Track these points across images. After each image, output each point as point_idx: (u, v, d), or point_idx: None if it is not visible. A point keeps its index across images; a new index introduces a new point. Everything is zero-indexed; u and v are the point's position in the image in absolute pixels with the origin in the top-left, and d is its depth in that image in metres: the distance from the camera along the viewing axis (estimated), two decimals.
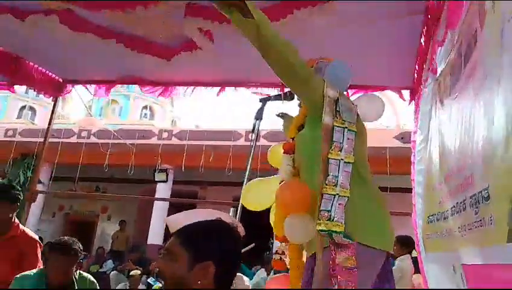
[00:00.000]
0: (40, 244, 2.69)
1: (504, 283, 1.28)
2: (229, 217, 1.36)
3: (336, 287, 1.40)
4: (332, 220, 1.45)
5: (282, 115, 2.23)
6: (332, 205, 1.48)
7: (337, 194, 1.49)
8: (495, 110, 1.35)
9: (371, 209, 1.60)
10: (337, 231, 1.44)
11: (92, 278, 2.47)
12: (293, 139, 1.93)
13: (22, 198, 2.61)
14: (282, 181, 1.87)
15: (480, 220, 1.46)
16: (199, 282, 1.16)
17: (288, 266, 1.93)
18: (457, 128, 1.87)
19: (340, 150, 1.56)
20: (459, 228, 1.78)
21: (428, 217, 2.45)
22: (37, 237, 2.70)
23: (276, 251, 1.99)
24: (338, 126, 1.60)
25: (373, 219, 1.58)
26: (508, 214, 1.21)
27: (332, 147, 1.56)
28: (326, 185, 1.51)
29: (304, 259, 1.86)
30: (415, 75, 3.13)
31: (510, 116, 1.22)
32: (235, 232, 1.29)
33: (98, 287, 2.46)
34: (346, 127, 1.60)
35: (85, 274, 2.43)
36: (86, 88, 4.13)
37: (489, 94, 1.42)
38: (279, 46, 1.55)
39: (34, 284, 2.23)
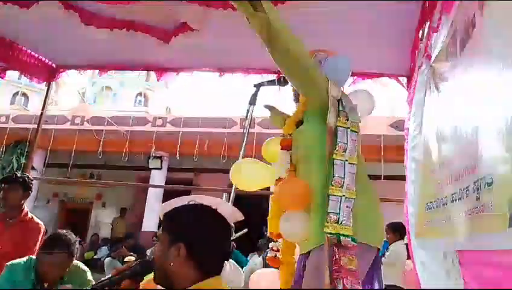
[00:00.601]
0: (43, 231, 2.89)
1: (500, 269, 1.29)
2: (224, 203, 1.34)
3: (341, 287, 1.40)
4: (341, 223, 1.46)
5: (270, 108, 2.18)
6: (340, 207, 1.48)
7: (344, 195, 1.49)
8: (498, 97, 1.34)
9: (363, 205, 1.58)
10: (346, 234, 1.45)
11: (84, 267, 2.47)
12: (290, 135, 1.91)
13: (32, 187, 2.91)
14: (278, 178, 1.86)
15: (482, 206, 1.47)
16: (171, 264, 1.20)
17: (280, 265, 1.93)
18: (456, 114, 1.87)
19: (345, 151, 1.56)
20: (459, 214, 1.79)
21: (427, 204, 2.46)
22: (42, 224, 2.91)
23: (272, 248, 1.99)
24: (341, 126, 1.59)
25: (365, 214, 1.58)
26: (509, 200, 1.22)
27: (337, 148, 1.55)
28: (333, 185, 1.50)
29: (296, 257, 1.86)
30: (412, 62, 3.12)
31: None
32: (213, 217, 1.28)
33: (90, 274, 2.46)
34: (349, 128, 1.60)
35: (75, 262, 2.41)
36: (80, 72, 4.08)
37: (492, 80, 1.42)
38: (288, 41, 1.54)
39: (22, 273, 2.23)
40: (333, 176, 1.52)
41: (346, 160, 1.54)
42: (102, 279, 1.35)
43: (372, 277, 1.64)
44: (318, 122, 1.65)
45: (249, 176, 2.03)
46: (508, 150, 1.26)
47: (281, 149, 1.89)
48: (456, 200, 1.86)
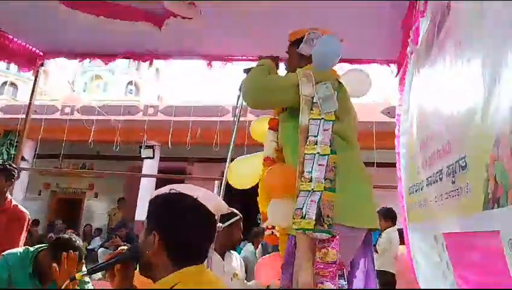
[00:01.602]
0: (29, 219, 2.87)
1: (483, 250, 1.30)
2: (210, 194, 1.32)
3: (321, 285, 1.41)
4: (304, 217, 1.45)
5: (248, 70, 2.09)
6: (304, 202, 1.48)
7: (312, 189, 1.49)
8: (471, 78, 1.34)
9: (352, 188, 1.59)
10: (308, 228, 1.44)
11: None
12: (279, 114, 1.92)
13: (16, 175, 2.88)
14: (267, 157, 1.88)
15: (457, 189, 1.49)
16: (147, 251, 1.20)
17: (279, 241, 1.95)
18: (431, 97, 1.88)
19: (316, 144, 1.55)
20: (435, 197, 1.81)
21: (409, 187, 2.49)
22: (27, 212, 2.87)
23: (267, 226, 2.00)
24: (314, 118, 1.59)
25: (353, 199, 1.59)
26: (484, 183, 1.23)
27: (308, 143, 1.56)
28: (302, 181, 1.51)
29: None
30: (403, 47, 3.11)
31: (487, 85, 1.22)
32: (189, 205, 1.25)
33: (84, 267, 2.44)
34: (323, 118, 1.59)
35: None
36: (70, 58, 4.02)
37: (464, 61, 1.42)
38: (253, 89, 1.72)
39: (18, 264, 2.19)
40: (303, 172, 1.53)
41: (318, 152, 1.54)
42: (94, 265, 1.34)
43: (364, 258, 1.65)
44: (293, 115, 1.69)
45: (242, 178, 2.07)
46: (481, 134, 1.26)
47: (269, 129, 1.93)
48: (431, 184, 1.88)
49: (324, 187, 1.48)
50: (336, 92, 1.64)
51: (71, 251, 2.07)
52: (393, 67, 3.55)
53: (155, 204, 1.28)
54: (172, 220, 1.22)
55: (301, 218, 1.45)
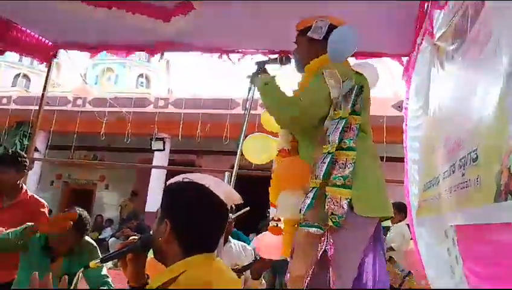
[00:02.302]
0: (47, 208, 2.80)
1: (494, 243, 1.30)
2: (223, 184, 1.33)
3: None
4: (302, 213, 1.53)
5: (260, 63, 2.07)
6: (304, 199, 1.55)
7: (315, 186, 1.54)
8: (493, 73, 1.33)
9: (368, 178, 1.62)
10: (302, 223, 1.53)
11: (94, 243, 2.50)
12: None
13: (27, 165, 2.78)
14: (282, 148, 1.87)
15: (466, 181, 1.48)
16: (160, 238, 1.21)
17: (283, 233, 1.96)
18: (457, 92, 1.86)
19: (328, 143, 1.58)
20: (445, 190, 1.80)
21: (425, 183, 2.48)
22: (44, 202, 2.80)
23: (273, 217, 2.01)
24: (334, 118, 1.62)
25: (370, 187, 1.61)
26: (496, 175, 1.22)
27: (325, 143, 1.60)
28: (311, 180, 1.57)
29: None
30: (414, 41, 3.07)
31: (505, 79, 1.21)
32: (202, 195, 1.25)
33: (98, 251, 2.49)
34: (341, 117, 1.62)
35: (87, 238, 2.46)
36: (82, 51, 4.05)
37: (489, 57, 1.40)
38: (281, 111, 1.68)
39: (34, 241, 2.25)
40: (313, 171, 1.58)
41: (328, 151, 1.57)
42: (106, 254, 1.37)
43: (374, 247, 1.67)
44: None
45: (259, 149, 2.06)
46: (496, 126, 1.25)
47: None
48: (446, 178, 1.87)
49: (329, 183, 1.52)
50: (360, 85, 1.67)
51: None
52: (405, 61, 3.51)
53: (167, 193, 1.29)
54: (183, 209, 1.22)
55: (302, 215, 1.54)
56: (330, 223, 1.48)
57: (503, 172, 1.18)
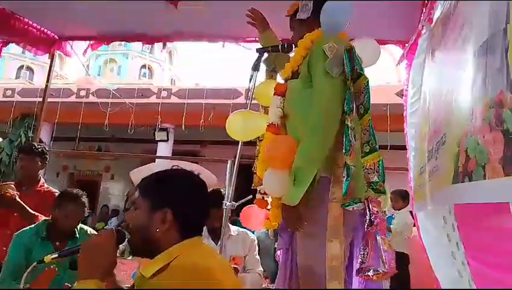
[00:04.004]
0: None
1: (486, 230, 1.31)
2: (201, 169, 1.39)
3: None
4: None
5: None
6: (335, 181, 1.64)
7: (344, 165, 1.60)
8: (463, 61, 1.34)
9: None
10: (345, 204, 1.59)
11: (93, 231, 2.53)
12: (286, 80, 1.89)
13: (48, 158, 2.94)
14: (271, 123, 1.84)
15: (437, 165, 1.51)
16: (157, 230, 1.19)
17: (270, 206, 1.96)
18: (439, 80, 1.87)
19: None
20: (427, 174, 1.84)
21: (420, 168, 2.50)
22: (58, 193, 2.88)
23: (259, 190, 2.02)
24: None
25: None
26: (454, 157, 1.24)
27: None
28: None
29: None
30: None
31: (475, 66, 1.21)
32: (192, 179, 1.30)
33: None
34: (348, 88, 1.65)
35: (85, 227, 2.47)
36: (87, 41, 4.04)
37: (462, 44, 1.41)
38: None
39: (31, 235, 2.27)
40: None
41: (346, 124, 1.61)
42: (66, 249, 1.37)
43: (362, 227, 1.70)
44: (307, 85, 1.70)
45: (244, 127, 2.03)
46: (456, 111, 1.26)
47: (274, 95, 1.86)
48: (427, 163, 1.90)
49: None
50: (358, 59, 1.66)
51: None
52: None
53: (161, 182, 1.28)
54: (184, 195, 1.24)
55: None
56: (371, 193, 1.53)
57: (461, 154, 1.19)
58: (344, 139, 1.57)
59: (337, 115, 1.61)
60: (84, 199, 2.36)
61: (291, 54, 1.95)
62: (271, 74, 2.21)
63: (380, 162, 1.54)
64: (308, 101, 1.66)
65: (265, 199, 1.98)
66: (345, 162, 1.56)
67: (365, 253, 1.56)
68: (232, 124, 2.05)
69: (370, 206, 1.53)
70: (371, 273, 1.51)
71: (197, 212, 1.27)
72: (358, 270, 1.58)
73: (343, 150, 1.57)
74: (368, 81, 1.64)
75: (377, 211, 1.52)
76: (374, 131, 1.59)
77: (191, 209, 1.24)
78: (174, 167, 1.34)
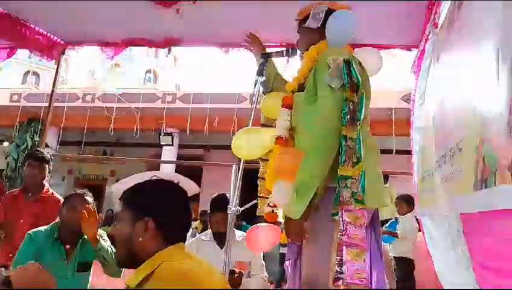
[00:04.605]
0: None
1: (497, 233, 1.30)
2: (180, 177, 1.41)
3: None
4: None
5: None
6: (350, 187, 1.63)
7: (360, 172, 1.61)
8: (474, 65, 1.33)
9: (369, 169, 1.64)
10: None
11: (101, 231, 2.53)
12: (293, 92, 1.88)
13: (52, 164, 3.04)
14: (279, 136, 1.84)
15: (453, 172, 1.50)
16: (140, 239, 1.21)
17: (280, 219, 1.96)
18: (447, 83, 1.86)
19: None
20: (439, 181, 1.82)
21: (423, 173, 2.49)
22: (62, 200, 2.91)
23: (269, 203, 2.02)
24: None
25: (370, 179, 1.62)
26: (474, 164, 1.23)
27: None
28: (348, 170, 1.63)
29: None
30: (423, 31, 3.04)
31: (485, 71, 1.20)
32: (172, 187, 1.33)
33: (106, 234, 2.51)
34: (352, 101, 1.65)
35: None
36: (94, 45, 4.07)
37: (469, 47, 1.40)
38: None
39: (44, 237, 2.29)
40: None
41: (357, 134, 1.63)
42: None
43: (370, 234, 1.70)
44: (314, 99, 1.70)
45: (249, 146, 2.03)
46: (474, 118, 1.26)
47: (282, 107, 1.87)
48: (438, 168, 1.89)
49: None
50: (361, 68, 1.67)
51: (87, 205, 2.29)
52: (415, 52, 3.48)
53: (141, 193, 1.30)
54: (165, 204, 1.27)
55: None
56: (353, 203, 1.56)
57: (479, 162, 1.19)
58: (340, 151, 1.58)
59: (338, 128, 1.61)
60: (90, 198, 2.39)
61: (290, 56, 1.99)
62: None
63: (363, 173, 1.55)
64: (314, 114, 1.67)
65: (275, 211, 1.97)
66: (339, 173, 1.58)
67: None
68: (236, 145, 2.05)
69: (343, 217, 1.54)
70: (340, 283, 1.50)
71: (178, 220, 1.29)
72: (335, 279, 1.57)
73: (339, 161, 1.58)
74: (363, 93, 1.64)
75: (348, 221, 1.53)
76: (361, 142, 1.59)
77: (172, 217, 1.27)
78: (153, 177, 1.36)
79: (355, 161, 1.57)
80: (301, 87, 1.84)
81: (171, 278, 1.09)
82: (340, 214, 1.55)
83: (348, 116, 1.59)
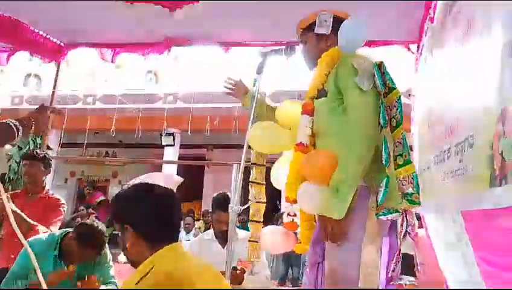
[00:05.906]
0: (64, 206, 2.99)
1: (502, 228, 1.29)
2: (159, 174, 1.42)
3: None
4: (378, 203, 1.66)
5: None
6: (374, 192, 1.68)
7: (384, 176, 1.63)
8: (479, 59, 1.32)
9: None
10: (379, 213, 1.64)
11: (107, 251, 2.52)
12: (312, 99, 1.87)
13: (51, 164, 3.04)
14: (300, 143, 1.84)
15: (464, 168, 1.49)
16: (127, 245, 1.28)
17: (299, 227, 1.97)
18: (442, 77, 1.85)
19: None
20: (441, 176, 1.81)
21: (420, 168, 2.49)
22: (62, 200, 3.01)
23: (288, 213, 2.00)
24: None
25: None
26: (488, 159, 1.21)
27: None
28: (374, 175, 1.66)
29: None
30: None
31: (494, 66, 1.19)
32: (151, 191, 1.34)
33: (108, 252, 2.51)
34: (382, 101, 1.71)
35: None
36: (94, 47, 4.07)
37: (473, 42, 1.39)
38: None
39: (43, 248, 2.29)
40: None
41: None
42: None
43: (389, 235, 1.74)
44: (340, 106, 1.72)
45: (269, 139, 2.04)
46: (486, 111, 1.24)
47: (302, 114, 1.86)
48: (437, 163, 1.87)
49: (395, 167, 1.64)
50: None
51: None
52: (414, 48, 3.47)
53: (116, 203, 1.36)
54: (135, 208, 1.30)
55: None
56: (406, 204, 1.56)
57: (496, 157, 1.17)
58: (383, 151, 1.60)
59: (374, 129, 1.63)
60: (101, 236, 2.36)
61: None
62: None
63: (414, 174, 1.56)
64: (341, 118, 1.69)
65: (294, 221, 1.95)
66: (386, 173, 1.59)
67: (397, 261, 1.61)
68: (255, 135, 2.05)
69: (408, 218, 1.57)
70: (403, 282, 1.53)
71: (157, 222, 1.30)
72: (390, 278, 1.59)
73: (383, 161, 1.59)
74: (400, 96, 1.67)
75: (414, 223, 1.57)
76: (407, 143, 1.61)
77: (150, 220, 1.28)
78: (136, 183, 1.38)
79: (401, 163, 1.58)
80: (320, 93, 1.83)
81: (159, 282, 1.14)
82: (403, 215, 1.58)
83: (387, 118, 1.64)
